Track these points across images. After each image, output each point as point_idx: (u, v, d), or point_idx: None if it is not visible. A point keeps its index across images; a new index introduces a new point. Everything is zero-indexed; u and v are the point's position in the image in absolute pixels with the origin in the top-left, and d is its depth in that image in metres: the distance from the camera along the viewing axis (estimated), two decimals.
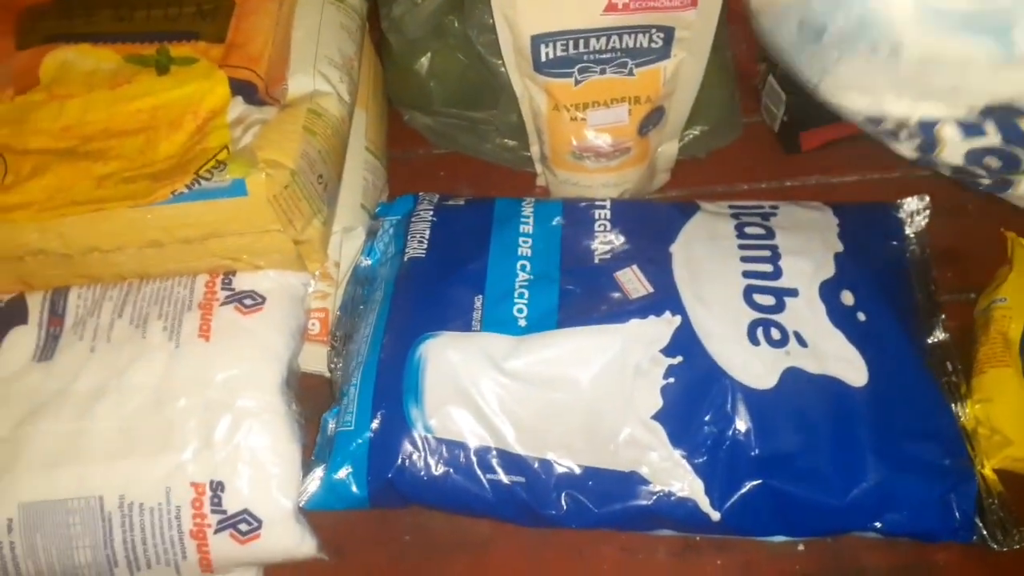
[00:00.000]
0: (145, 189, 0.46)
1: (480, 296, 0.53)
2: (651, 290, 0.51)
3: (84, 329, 0.50)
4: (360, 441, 0.50)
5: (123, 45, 0.51)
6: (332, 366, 0.55)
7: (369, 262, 0.60)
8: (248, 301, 0.52)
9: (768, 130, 0.67)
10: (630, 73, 0.55)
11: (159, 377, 0.49)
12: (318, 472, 0.50)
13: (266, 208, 0.49)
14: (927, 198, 0.57)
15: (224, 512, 0.47)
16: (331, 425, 0.52)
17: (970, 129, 0.46)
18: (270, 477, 0.48)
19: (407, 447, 0.49)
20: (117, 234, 0.49)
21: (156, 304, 0.51)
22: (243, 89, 0.50)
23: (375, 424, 0.50)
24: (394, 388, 0.51)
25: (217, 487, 0.47)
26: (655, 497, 0.49)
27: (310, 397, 0.55)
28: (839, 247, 0.54)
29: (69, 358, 0.49)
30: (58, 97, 0.49)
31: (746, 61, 0.66)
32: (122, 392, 0.48)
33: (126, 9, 0.52)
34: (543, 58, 0.54)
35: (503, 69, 0.62)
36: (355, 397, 0.51)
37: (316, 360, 0.57)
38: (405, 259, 0.57)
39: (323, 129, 0.53)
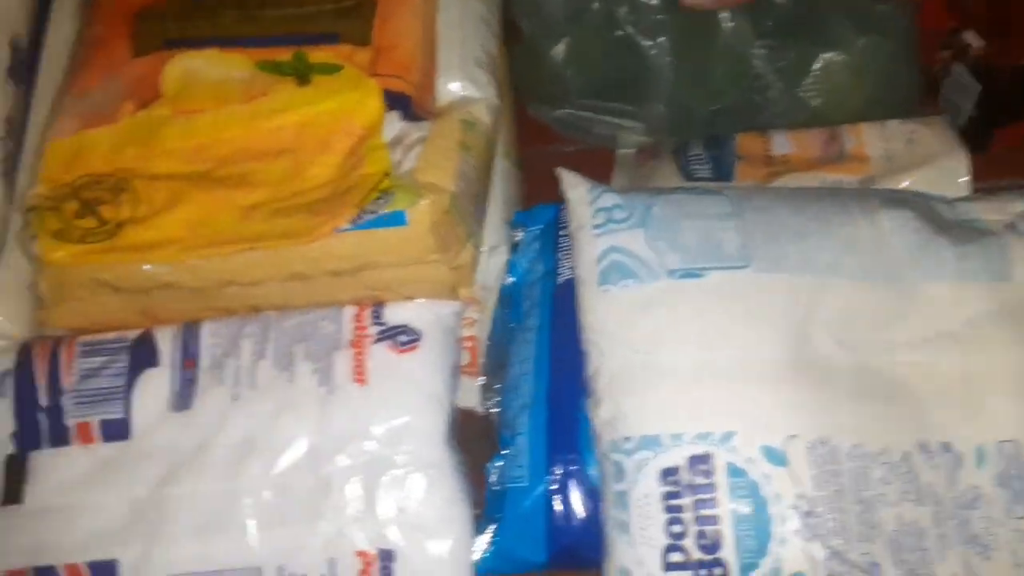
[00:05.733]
0: (303, 225, 0.40)
1: None
2: None
3: (223, 372, 0.45)
4: (535, 498, 0.45)
5: (254, 50, 0.44)
6: (488, 403, 0.50)
7: (512, 279, 0.54)
8: (403, 338, 0.46)
9: None
10: None
11: (312, 429, 0.43)
12: (488, 534, 0.45)
13: (427, 237, 0.43)
14: None
15: None
16: (499, 477, 0.46)
17: None
18: (443, 543, 0.43)
19: (591, 504, 0.44)
20: (259, 267, 0.43)
21: (301, 342, 0.45)
22: (397, 101, 0.43)
23: (551, 479, 0.45)
24: (569, 437, 0.45)
25: (386, 557, 0.42)
26: None
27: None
28: None
29: (210, 407, 0.44)
30: (185, 112, 0.43)
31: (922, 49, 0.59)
32: (272, 447, 0.43)
33: (254, 7, 0.45)
34: None
35: (653, 52, 0.55)
36: (525, 448, 0.46)
37: (466, 393, 0.51)
38: (560, 281, 0.51)
39: (477, 142, 0.47)
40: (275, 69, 0.44)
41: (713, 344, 0.42)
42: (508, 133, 0.57)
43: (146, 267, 0.41)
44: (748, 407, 0.41)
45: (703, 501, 0.40)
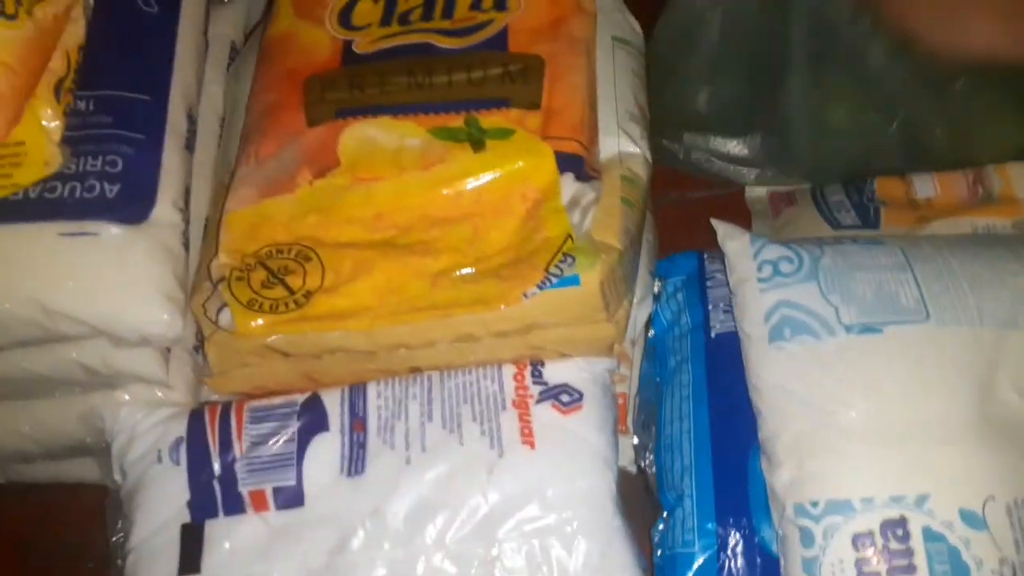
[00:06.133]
0: (493, 291, 0.40)
1: None
2: None
3: (393, 435, 0.45)
4: (706, 562, 0.44)
5: (426, 116, 0.45)
6: (643, 463, 0.49)
7: (653, 332, 0.54)
8: (565, 397, 0.46)
9: None
10: None
11: (486, 492, 0.43)
12: None
13: (596, 297, 0.43)
14: None
15: None
16: (665, 541, 0.46)
17: None
18: None
19: (764, 569, 0.43)
20: (432, 331, 0.43)
21: (466, 402, 0.45)
22: (571, 164, 0.43)
23: (722, 542, 0.44)
24: (738, 499, 0.44)
25: None
26: None
27: None
28: None
29: (382, 471, 0.44)
30: (364, 180, 0.44)
31: None
32: (446, 512, 0.43)
33: (423, 74, 0.46)
34: None
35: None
36: (692, 511, 0.45)
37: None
38: (712, 335, 0.50)
39: (637, 197, 0.47)
40: (449, 135, 0.44)
41: (898, 402, 0.41)
42: None
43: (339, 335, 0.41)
44: (940, 468, 0.40)
45: (901, 568, 0.39)
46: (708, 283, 0.53)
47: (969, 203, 0.56)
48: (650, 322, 0.54)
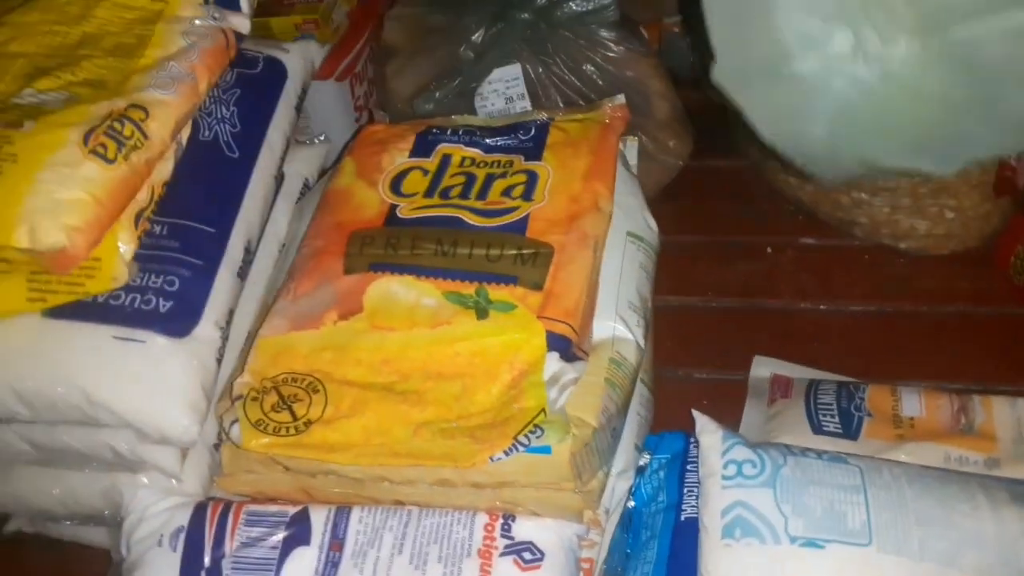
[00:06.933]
0: (464, 450, 0.45)
1: None
2: None
3: (364, 561, 0.49)
4: None
5: (443, 281, 0.51)
6: None
7: (633, 504, 0.57)
8: (527, 555, 0.49)
9: None
10: None
11: None
12: None
13: (565, 467, 0.47)
14: None
15: None
16: None
17: None
18: None
19: None
20: (414, 472, 0.48)
21: (436, 543, 0.49)
22: (559, 344, 0.49)
23: None
24: None
25: None
26: None
27: None
28: None
29: None
30: (380, 328, 0.50)
31: None
32: None
33: (449, 245, 0.53)
34: None
35: None
36: None
37: None
38: (683, 518, 0.53)
39: (622, 380, 0.51)
40: (459, 300, 0.50)
41: None
42: (647, 359, 0.62)
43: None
44: None
45: None
46: (689, 467, 0.56)
47: (950, 430, 0.58)
48: (632, 492, 0.57)
